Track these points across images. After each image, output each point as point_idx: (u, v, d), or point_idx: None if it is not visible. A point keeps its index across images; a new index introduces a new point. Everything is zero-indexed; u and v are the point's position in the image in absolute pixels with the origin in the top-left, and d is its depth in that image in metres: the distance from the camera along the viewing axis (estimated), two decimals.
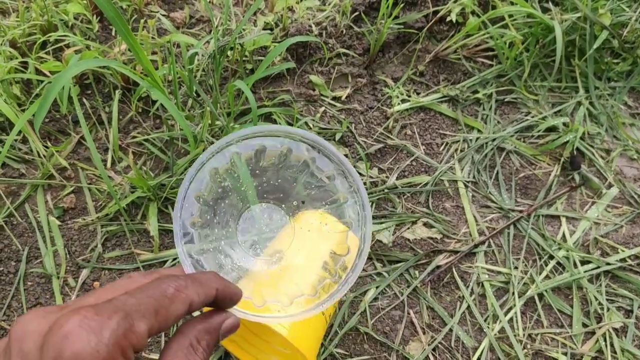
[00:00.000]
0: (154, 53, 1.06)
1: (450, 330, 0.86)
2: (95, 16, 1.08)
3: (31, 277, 0.88)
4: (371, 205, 0.98)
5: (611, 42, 1.18)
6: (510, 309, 0.88)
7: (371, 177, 1.01)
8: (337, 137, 1.05)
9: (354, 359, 0.82)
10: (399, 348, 0.82)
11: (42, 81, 0.98)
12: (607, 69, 1.19)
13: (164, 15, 1.14)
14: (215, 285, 0.40)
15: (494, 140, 1.08)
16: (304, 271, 0.68)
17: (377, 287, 0.89)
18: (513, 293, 0.89)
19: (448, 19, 1.18)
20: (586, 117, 1.13)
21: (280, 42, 1.00)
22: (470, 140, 1.08)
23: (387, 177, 1.02)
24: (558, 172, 1.05)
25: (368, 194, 0.98)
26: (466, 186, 1.02)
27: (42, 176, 0.95)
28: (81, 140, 0.99)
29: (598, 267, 0.93)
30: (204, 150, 0.92)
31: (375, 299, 0.89)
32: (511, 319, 0.87)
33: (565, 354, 0.84)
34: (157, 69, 0.99)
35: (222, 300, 0.41)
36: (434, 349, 0.83)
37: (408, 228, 0.96)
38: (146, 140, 0.99)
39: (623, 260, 0.94)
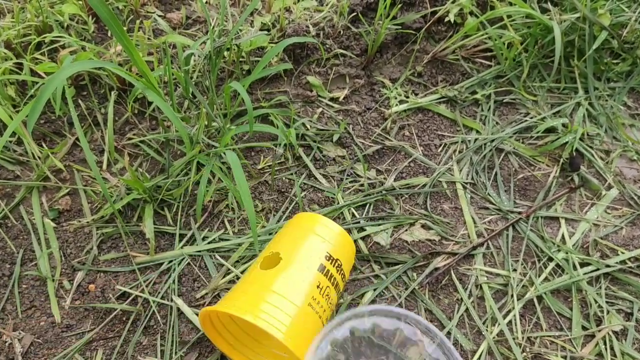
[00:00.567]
0: (150, 54, 1.05)
1: (449, 333, 0.85)
2: (90, 17, 1.07)
3: (26, 280, 0.87)
4: (369, 207, 0.97)
5: (610, 43, 1.17)
6: (509, 311, 0.87)
7: (369, 178, 1.00)
8: (335, 138, 1.04)
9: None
10: (397, 351, 0.82)
11: (37, 82, 0.97)
12: (606, 70, 1.18)
13: (160, 16, 1.14)
14: None
15: (492, 141, 1.07)
16: None
17: (374, 290, 0.88)
18: (512, 295, 0.88)
19: (446, 19, 1.17)
20: (585, 118, 1.12)
21: (277, 43, 0.99)
22: (469, 141, 1.08)
23: (385, 178, 1.01)
24: (557, 173, 1.04)
25: (365, 196, 0.97)
26: (464, 187, 1.01)
27: (37, 178, 0.94)
28: (77, 141, 0.99)
29: (598, 269, 0.92)
30: (200, 152, 0.91)
31: (373, 301, 0.88)
32: (510, 321, 0.86)
33: (564, 357, 0.83)
34: (153, 70, 0.98)
35: None
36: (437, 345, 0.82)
37: (406, 230, 0.95)
38: (142, 141, 0.98)
39: (623, 262, 0.93)
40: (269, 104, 1.06)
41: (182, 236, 0.92)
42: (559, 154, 1.07)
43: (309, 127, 1.05)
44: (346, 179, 1.01)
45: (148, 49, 1.04)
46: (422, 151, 1.06)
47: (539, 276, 0.91)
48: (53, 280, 0.87)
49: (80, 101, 1.01)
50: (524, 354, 0.83)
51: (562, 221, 0.98)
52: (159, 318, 0.84)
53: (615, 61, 1.20)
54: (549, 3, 1.18)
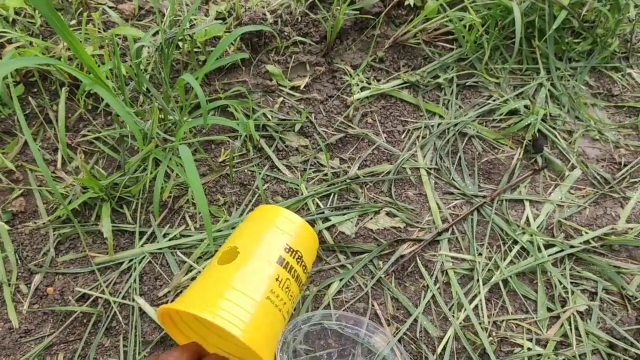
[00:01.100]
0: (102, 47, 1.02)
1: (415, 320, 0.84)
2: (37, 10, 1.03)
3: None
4: (333, 197, 0.96)
5: (571, 22, 1.17)
6: (475, 296, 0.87)
7: (332, 167, 0.99)
8: (297, 128, 1.03)
9: (318, 353, 0.80)
10: (363, 341, 0.81)
11: None
12: (567, 49, 1.18)
13: (111, 7, 1.10)
14: None
15: (455, 125, 1.07)
16: None
17: (340, 280, 0.87)
18: (477, 280, 0.88)
19: (406, 3, 1.16)
20: (548, 99, 1.12)
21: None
22: (432, 126, 1.07)
23: (348, 167, 1.00)
24: (521, 156, 1.04)
25: (329, 185, 0.96)
26: (429, 173, 1.01)
27: None
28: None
29: (562, 251, 0.92)
30: (156, 147, 0.89)
31: (339, 291, 0.87)
32: (476, 306, 0.86)
33: (530, 339, 0.83)
34: (104, 64, 0.95)
35: None
36: (399, 340, 0.82)
37: (371, 218, 0.94)
38: (97, 138, 0.96)
39: (587, 242, 0.93)
40: (226, 94, 1.03)
41: (142, 234, 0.90)
42: (522, 135, 1.06)
43: (270, 117, 1.03)
44: (309, 169, 0.99)
45: (99, 42, 1.01)
46: (386, 138, 1.05)
47: (504, 260, 0.91)
48: (9, 284, 0.84)
49: (30, 98, 0.98)
50: (490, 338, 0.83)
51: (527, 203, 0.98)
52: (120, 319, 0.82)
53: (576, 40, 1.20)
54: None
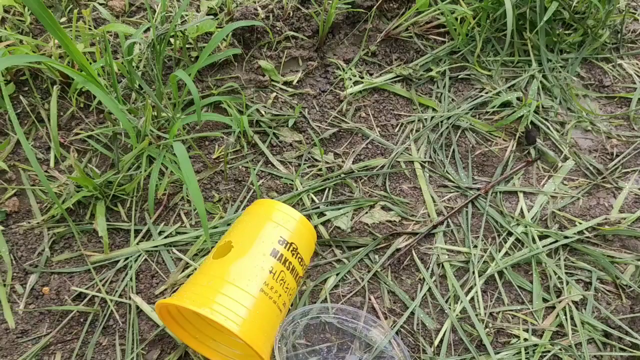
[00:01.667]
0: (92, 44, 1.01)
1: (412, 313, 0.85)
2: (26, 8, 1.02)
3: None
4: (328, 192, 0.96)
5: (562, 14, 1.17)
6: (471, 288, 0.87)
7: (327, 162, 0.99)
8: (290, 123, 1.02)
9: (317, 347, 0.80)
10: (361, 335, 0.81)
11: None
12: (558, 41, 1.18)
13: (101, 4, 1.09)
14: None
15: (449, 118, 1.07)
16: None
17: (337, 274, 0.88)
18: (473, 272, 0.88)
19: None
20: (540, 91, 1.12)
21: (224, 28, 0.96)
22: (425, 119, 1.07)
23: (343, 161, 1.00)
24: (514, 148, 1.04)
25: (324, 180, 0.96)
26: (423, 167, 1.01)
27: None
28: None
29: (556, 241, 0.92)
30: (150, 144, 0.89)
31: (336, 286, 0.87)
32: (472, 298, 0.86)
33: (526, 330, 0.83)
34: (95, 61, 0.95)
35: None
36: (396, 333, 0.82)
37: (366, 212, 0.94)
38: (89, 136, 0.95)
39: (580, 232, 0.94)
40: (219, 90, 1.03)
41: (137, 232, 0.89)
42: (515, 128, 1.07)
43: (263, 112, 1.03)
44: (304, 164, 0.99)
45: (90, 39, 1.00)
46: (379, 132, 1.05)
47: (499, 251, 0.91)
48: (4, 285, 0.84)
49: (21, 97, 0.97)
50: (487, 329, 0.83)
51: (521, 195, 0.99)
52: (117, 317, 0.82)
53: (567, 32, 1.20)
54: None
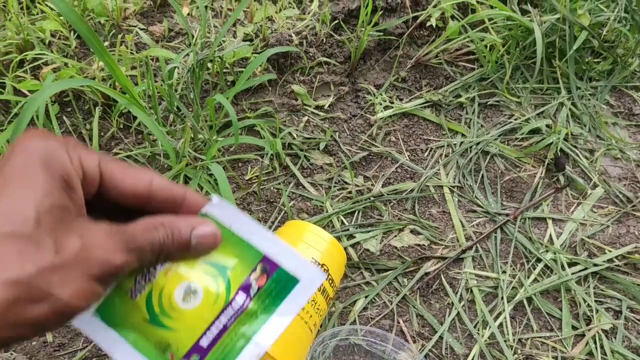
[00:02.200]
0: (133, 68, 1.05)
1: (441, 337, 0.85)
2: (72, 32, 1.07)
3: None
4: (357, 214, 0.97)
5: (591, 42, 1.19)
6: (500, 314, 0.88)
7: (357, 185, 1.01)
8: (322, 146, 1.05)
9: None
10: (389, 358, 0.82)
11: (20, 101, 0.97)
12: (588, 69, 1.19)
13: (142, 29, 1.14)
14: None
15: (478, 144, 1.08)
16: None
17: (366, 297, 0.89)
18: (502, 298, 0.89)
19: (428, 24, 1.18)
20: (569, 118, 1.13)
21: (260, 53, 0.99)
22: (455, 144, 1.08)
23: (372, 185, 1.01)
24: (543, 174, 1.05)
25: (354, 203, 0.98)
26: (452, 191, 1.02)
27: None
28: None
29: (586, 269, 0.93)
30: (187, 166, 0.91)
31: (365, 308, 0.88)
32: (501, 324, 0.87)
33: (555, 357, 0.83)
34: (136, 84, 0.98)
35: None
36: (425, 357, 0.83)
37: (395, 236, 0.95)
38: (128, 156, 0.98)
39: (610, 260, 0.94)
40: (254, 114, 1.06)
41: None
42: (544, 154, 1.08)
43: (295, 136, 1.05)
44: (334, 186, 1.01)
45: (131, 63, 1.04)
46: (409, 156, 1.06)
47: (528, 277, 0.92)
48: None
49: (65, 118, 1.00)
50: (516, 355, 0.83)
51: (550, 222, 0.99)
52: None
53: (596, 60, 1.21)
54: (528, 5, 1.19)
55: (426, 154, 1.07)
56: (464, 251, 0.94)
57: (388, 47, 1.20)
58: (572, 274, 0.92)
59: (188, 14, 1.20)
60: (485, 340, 0.85)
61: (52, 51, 1.04)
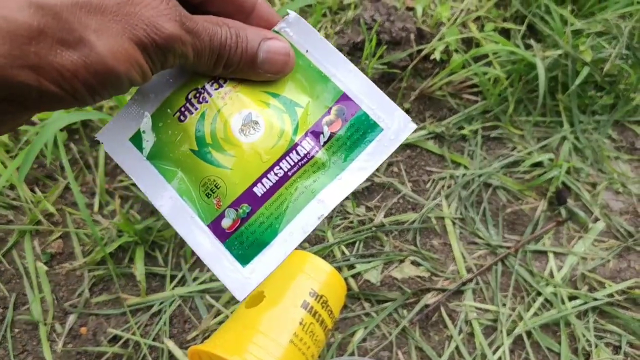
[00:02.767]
0: None
1: None
2: None
3: (18, 324, 0.88)
4: (359, 244, 0.98)
5: (594, 76, 1.20)
6: (499, 347, 0.88)
7: (358, 215, 1.02)
8: None
9: None
10: None
11: (28, 130, 0.99)
12: (590, 103, 1.20)
13: None
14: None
15: (480, 176, 1.09)
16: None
17: (365, 328, 0.89)
18: (501, 331, 0.89)
19: (432, 57, 1.19)
20: (571, 152, 1.14)
21: None
22: (457, 176, 1.09)
23: (374, 215, 1.02)
24: (545, 207, 1.06)
25: (355, 233, 0.98)
26: (453, 223, 1.03)
27: (29, 222, 0.95)
28: (69, 185, 1.00)
29: (586, 303, 0.92)
30: None
31: (364, 339, 0.88)
32: (499, 358, 0.86)
33: None
34: None
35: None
36: None
37: (396, 267, 0.96)
38: (133, 184, 1.00)
39: (610, 295, 0.94)
40: None
41: (173, 277, 0.93)
42: (546, 187, 1.08)
43: None
44: (336, 216, 1.02)
45: None
46: (411, 187, 1.07)
47: (528, 311, 0.92)
48: (45, 324, 0.87)
49: (72, 145, 1.03)
50: None
51: (550, 255, 0.99)
52: (150, 359, 0.84)
53: (599, 94, 1.22)
54: (532, 40, 1.20)
55: (428, 185, 1.08)
56: (464, 283, 0.94)
57: (392, 79, 1.22)
58: (572, 308, 0.92)
59: None
60: None
61: None
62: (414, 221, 1.02)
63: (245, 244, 0.36)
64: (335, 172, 0.36)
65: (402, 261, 0.96)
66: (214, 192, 0.36)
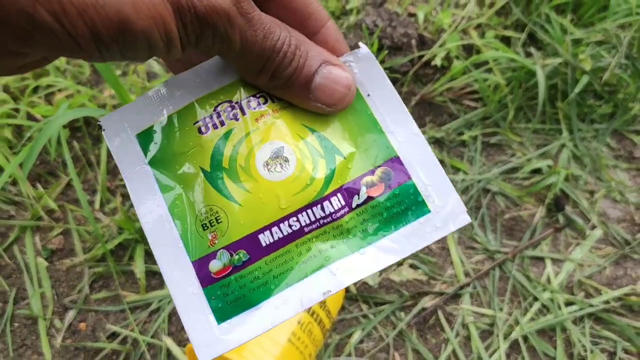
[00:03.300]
0: None
1: None
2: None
3: (18, 319, 0.88)
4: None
5: (593, 85, 1.21)
6: (495, 351, 0.88)
7: None
8: None
9: None
10: None
11: (32, 126, 1.00)
12: (589, 112, 1.21)
13: (154, 59, 1.17)
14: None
15: (479, 181, 1.10)
16: None
17: (362, 329, 0.90)
18: (497, 335, 0.90)
19: (433, 63, 1.20)
20: (570, 159, 1.15)
21: None
22: (456, 181, 1.10)
23: None
24: (543, 214, 1.06)
25: None
26: None
27: (31, 217, 0.96)
28: (70, 181, 1.01)
29: (582, 309, 0.93)
30: None
31: (361, 341, 0.89)
32: None
33: None
34: None
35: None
36: None
37: (394, 269, 0.96)
38: None
39: (607, 302, 0.95)
40: None
41: None
42: (544, 194, 1.09)
43: None
44: None
45: (142, 92, 1.07)
46: None
47: (525, 316, 0.92)
48: (45, 319, 0.88)
49: (75, 142, 1.03)
50: None
51: (548, 261, 1.00)
52: (148, 357, 0.85)
53: (598, 103, 1.23)
54: (532, 48, 1.21)
55: None
56: (461, 287, 0.95)
57: (393, 84, 1.23)
58: (569, 313, 0.92)
59: None
60: None
61: (66, 78, 1.08)
62: None
63: (228, 298, 0.30)
64: (359, 244, 0.30)
65: (400, 264, 0.97)
66: (212, 226, 0.30)
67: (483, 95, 1.20)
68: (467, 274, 0.97)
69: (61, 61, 1.08)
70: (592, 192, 1.11)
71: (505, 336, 0.90)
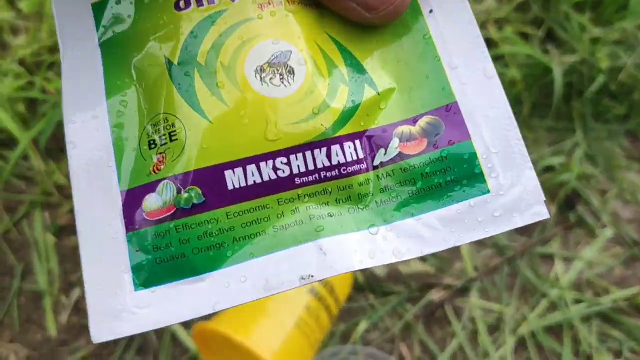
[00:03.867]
0: None
1: None
2: None
3: (24, 294, 0.88)
4: None
5: (609, 85, 1.20)
6: (501, 346, 0.88)
7: None
8: None
9: None
10: None
11: (46, 101, 1.00)
12: (604, 111, 1.20)
13: None
14: None
15: None
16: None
17: (369, 319, 0.89)
18: (505, 331, 0.89)
19: None
20: (583, 158, 1.14)
21: None
22: None
23: None
24: (554, 211, 1.06)
25: None
26: None
27: (41, 193, 0.96)
28: None
29: (590, 308, 0.93)
30: None
31: (367, 330, 0.89)
32: (502, 356, 0.87)
33: None
34: None
35: None
36: None
37: (403, 261, 0.96)
38: None
39: (615, 301, 0.94)
40: None
41: None
42: (556, 191, 1.08)
43: None
44: None
45: None
46: None
47: (532, 312, 0.92)
48: (51, 295, 0.88)
49: None
50: None
51: (557, 258, 0.99)
52: (154, 339, 0.85)
53: (612, 103, 1.22)
54: (549, 45, 1.20)
55: None
56: (470, 281, 0.94)
57: None
58: (576, 311, 0.92)
59: None
60: None
61: None
62: None
63: (160, 254, 0.21)
64: (372, 219, 0.21)
65: None
66: (163, 144, 0.21)
67: None
68: (475, 268, 0.97)
69: None
70: (603, 192, 1.10)
71: (512, 331, 0.89)
